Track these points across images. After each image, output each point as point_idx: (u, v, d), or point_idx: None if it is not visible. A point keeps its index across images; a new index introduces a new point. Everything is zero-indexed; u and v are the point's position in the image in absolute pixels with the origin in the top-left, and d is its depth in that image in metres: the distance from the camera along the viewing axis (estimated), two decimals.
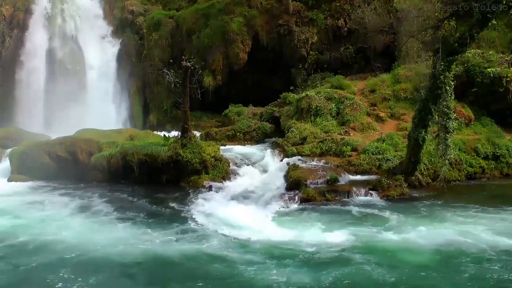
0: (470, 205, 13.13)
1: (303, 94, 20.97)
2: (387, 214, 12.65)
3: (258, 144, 20.43)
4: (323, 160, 16.74)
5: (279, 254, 9.99)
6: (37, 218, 12.84)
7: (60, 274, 9.09)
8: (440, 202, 13.53)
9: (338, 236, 10.94)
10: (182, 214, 13.17)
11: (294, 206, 13.72)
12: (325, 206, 13.51)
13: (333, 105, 20.15)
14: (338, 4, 25.71)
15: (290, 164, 16.00)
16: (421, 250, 10.09)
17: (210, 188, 15.86)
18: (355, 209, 13.15)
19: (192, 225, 12.15)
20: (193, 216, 12.88)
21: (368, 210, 13.02)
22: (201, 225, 12.10)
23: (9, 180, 18.01)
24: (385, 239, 10.79)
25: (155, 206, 14.12)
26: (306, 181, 14.82)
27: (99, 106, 27.23)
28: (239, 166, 17.46)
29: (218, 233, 11.45)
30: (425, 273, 9.01)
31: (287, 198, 14.14)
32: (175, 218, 12.76)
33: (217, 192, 15.47)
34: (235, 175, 16.77)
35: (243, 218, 12.52)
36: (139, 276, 9.18)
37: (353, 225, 11.82)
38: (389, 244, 10.47)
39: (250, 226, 11.89)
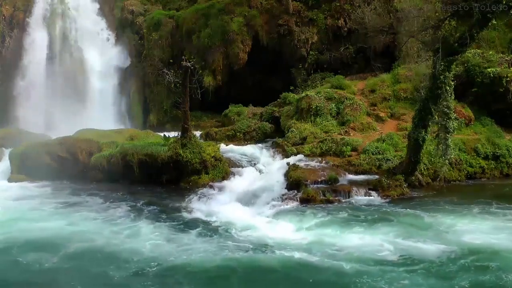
0: (470, 205, 13.11)
1: (303, 94, 20.96)
2: (387, 214, 12.65)
3: (258, 144, 20.41)
4: (323, 160, 16.73)
5: (279, 254, 9.99)
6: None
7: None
8: (440, 202, 13.51)
9: (338, 236, 10.93)
10: (182, 214, 13.18)
11: (294, 206, 13.72)
12: (325, 206, 13.50)
13: (333, 105, 20.15)
14: (338, 4, 25.69)
15: (290, 164, 16.00)
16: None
17: (210, 188, 15.86)
18: (354, 209, 13.13)
19: (193, 224, 12.16)
20: (193, 216, 12.90)
21: (368, 210, 13.01)
22: (202, 225, 12.10)
23: (9, 180, 18.02)
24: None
25: (154, 206, 14.13)
26: (306, 181, 14.82)
27: (99, 106, 27.23)
28: (239, 166, 17.46)
29: (218, 233, 11.46)
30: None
31: (287, 198, 14.14)
32: (175, 218, 12.76)
33: (217, 192, 15.47)
34: (235, 175, 16.75)
35: (243, 218, 12.54)
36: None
37: (353, 225, 11.81)
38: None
39: (250, 226, 11.89)
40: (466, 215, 12.33)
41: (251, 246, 10.48)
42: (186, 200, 14.63)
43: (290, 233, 11.32)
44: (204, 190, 15.75)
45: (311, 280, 8.78)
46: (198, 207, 13.85)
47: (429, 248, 10.14)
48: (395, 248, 10.16)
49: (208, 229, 11.83)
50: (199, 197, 14.85)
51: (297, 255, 9.88)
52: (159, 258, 9.83)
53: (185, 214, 13.20)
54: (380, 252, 9.96)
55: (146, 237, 11.19)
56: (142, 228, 11.93)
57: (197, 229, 11.78)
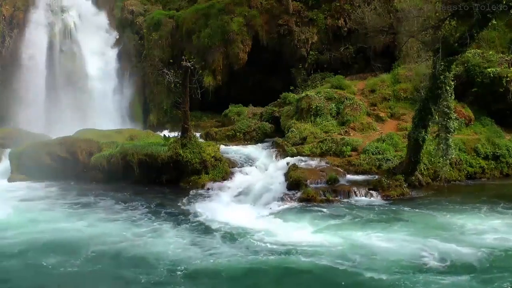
0: (475, 204, 13.11)
1: (303, 94, 20.96)
2: (397, 214, 12.65)
3: (258, 144, 20.42)
4: (323, 160, 16.73)
5: (279, 254, 9.99)
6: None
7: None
8: (444, 202, 13.52)
9: (337, 236, 10.92)
10: (182, 215, 13.18)
11: (294, 206, 13.71)
12: (325, 206, 13.49)
13: (333, 105, 20.15)
14: (338, 4, 25.69)
15: (290, 164, 16.00)
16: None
17: (210, 188, 15.87)
18: (354, 209, 13.13)
19: (193, 225, 12.15)
20: (194, 216, 12.90)
21: (375, 210, 13.00)
22: (202, 225, 12.10)
23: (9, 180, 18.02)
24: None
25: (154, 206, 14.13)
26: (306, 181, 14.82)
27: (99, 106, 27.22)
28: (239, 166, 17.46)
29: (219, 233, 11.45)
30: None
31: (287, 198, 14.14)
32: (175, 219, 12.76)
33: (217, 192, 15.47)
34: (235, 175, 16.75)
35: (243, 218, 12.54)
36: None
37: (353, 225, 11.81)
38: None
39: (250, 226, 11.89)
40: (475, 215, 12.32)
41: (251, 246, 10.48)
42: (186, 200, 14.64)
43: (289, 233, 11.30)
44: (204, 190, 15.76)
45: (343, 283, 8.71)
46: (198, 207, 13.84)
47: (455, 248, 10.03)
48: (420, 249, 10.03)
49: (209, 229, 11.82)
50: (199, 197, 14.88)
51: (321, 257, 9.74)
52: (184, 261, 9.79)
53: (185, 214, 13.19)
54: (409, 255, 9.79)
55: (169, 239, 11.13)
56: (162, 229, 11.90)
57: (197, 229, 11.78)
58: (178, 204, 14.30)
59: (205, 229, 11.80)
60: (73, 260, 9.79)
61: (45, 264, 9.65)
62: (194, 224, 12.28)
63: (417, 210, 12.88)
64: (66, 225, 12.27)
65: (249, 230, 11.62)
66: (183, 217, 12.96)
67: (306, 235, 11.17)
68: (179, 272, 9.20)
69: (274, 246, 10.44)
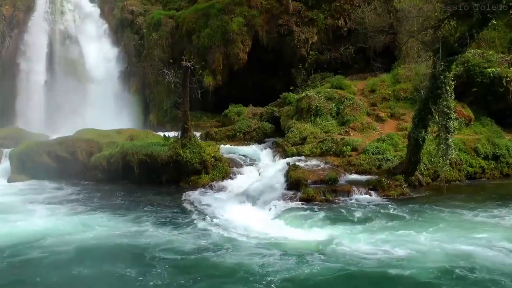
0: (464, 206, 13.07)
1: (303, 94, 20.96)
2: (387, 214, 12.65)
3: (258, 144, 20.43)
4: (323, 160, 16.73)
5: (279, 254, 9.99)
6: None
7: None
8: (436, 203, 13.49)
9: (336, 236, 10.93)
10: (183, 214, 13.18)
11: (294, 206, 13.70)
12: (325, 206, 13.49)
13: (333, 105, 20.16)
14: (338, 4, 25.71)
15: (290, 164, 15.99)
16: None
17: (210, 188, 15.88)
18: (354, 209, 13.13)
19: (193, 225, 12.16)
20: (193, 216, 12.90)
21: (368, 210, 13.00)
22: (202, 225, 12.11)
23: (9, 180, 18.02)
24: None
25: (154, 206, 14.13)
26: (306, 181, 14.81)
27: (99, 106, 27.24)
28: (239, 166, 17.47)
29: (219, 233, 11.45)
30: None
31: (287, 198, 14.14)
32: (175, 218, 12.76)
33: (217, 192, 15.48)
34: (235, 175, 16.77)
35: (243, 218, 12.54)
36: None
37: (352, 225, 11.82)
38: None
39: (250, 226, 11.89)
40: (475, 215, 12.25)
41: (252, 245, 10.48)
42: (186, 200, 14.66)
43: (289, 233, 11.30)
44: (204, 190, 15.78)
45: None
46: (198, 207, 13.87)
47: (453, 248, 9.98)
48: (421, 248, 10.01)
49: (208, 229, 11.82)
50: (199, 197, 14.90)
51: (320, 257, 9.70)
52: (185, 260, 9.74)
53: (185, 215, 13.18)
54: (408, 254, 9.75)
55: (168, 239, 11.07)
56: (162, 229, 11.84)
57: (197, 230, 11.78)
58: (178, 204, 14.30)
59: (205, 229, 11.77)
60: (143, 268, 9.33)
61: (119, 272, 9.23)
62: (194, 224, 12.26)
63: (417, 210, 12.86)
64: (114, 230, 11.79)
65: (249, 230, 11.61)
66: (183, 216, 12.97)
67: (306, 235, 11.16)
68: (179, 271, 9.21)
69: (274, 246, 10.42)
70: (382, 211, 12.89)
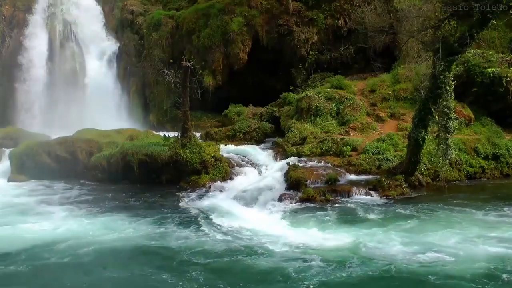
0: (471, 205, 13.06)
1: (303, 94, 20.97)
2: (387, 214, 12.63)
3: (258, 144, 20.43)
4: (323, 160, 16.73)
5: (279, 253, 9.98)
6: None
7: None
8: (440, 202, 13.47)
9: (336, 236, 10.92)
10: (183, 214, 13.18)
11: (294, 206, 13.71)
12: (325, 206, 13.49)
13: (333, 105, 20.16)
14: (338, 4, 25.70)
15: (290, 164, 15.99)
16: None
17: (210, 188, 15.87)
18: (354, 209, 13.13)
19: (193, 224, 12.15)
20: (193, 216, 12.90)
21: (368, 210, 12.98)
22: (202, 225, 12.10)
23: (9, 180, 18.01)
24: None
25: (154, 206, 14.12)
26: (306, 181, 14.82)
27: (99, 106, 27.24)
28: (239, 166, 17.46)
29: (219, 233, 11.45)
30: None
31: (287, 198, 14.13)
32: (175, 218, 12.75)
33: (217, 192, 15.48)
34: (235, 175, 16.76)
35: (243, 218, 12.54)
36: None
37: (352, 225, 11.81)
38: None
39: (250, 226, 11.89)
40: (475, 215, 12.22)
41: (251, 245, 10.47)
42: (186, 200, 14.65)
43: (289, 232, 11.29)
44: (204, 190, 15.77)
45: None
46: (198, 207, 13.87)
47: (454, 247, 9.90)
48: (419, 249, 9.90)
49: (208, 229, 11.81)
50: (199, 197, 14.91)
51: (319, 257, 9.59)
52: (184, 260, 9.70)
53: (185, 215, 13.17)
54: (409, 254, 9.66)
55: (169, 239, 11.05)
56: (162, 229, 11.80)
57: (197, 229, 11.78)
58: (178, 204, 14.29)
59: (205, 229, 11.76)
60: (174, 273, 9.11)
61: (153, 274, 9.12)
62: (194, 224, 12.25)
63: (417, 210, 12.85)
64: (134, 232, 11.68)
65: (249, 230, 11.61)
66: (184, 216, 12.97)
67: (305, 234, 11.13)
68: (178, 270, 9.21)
69: (274, 246, 10.41)
70: (382, 211, 12.87)
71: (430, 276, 8.60)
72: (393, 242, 10.40)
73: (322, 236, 11.00)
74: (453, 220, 11.87)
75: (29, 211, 13.69)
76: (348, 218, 12.39)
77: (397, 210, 12.87)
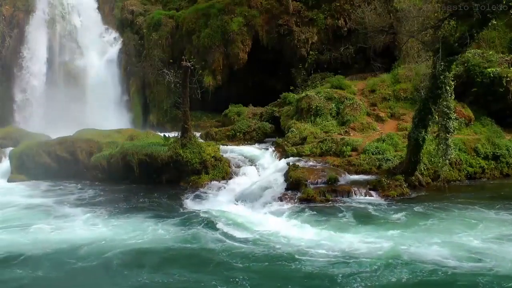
0: (479, 204, 13.04)
1: (303, 94, 20.97)
2: (387, 214, 12.63)
3: (258, 144, 20.43)
4: (323, 160, 16.73)
5: (278, 253, 9.99)
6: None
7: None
8: (440, 202, 13.47)
9: (336, 236, 10.91)
10: (183, 214, 13.18)
11: (294, 206, 13.70)
12: (325, 206, 13.48)
13: (333, 105, 20.16)
14: (338, 4, 25.71)
15: (290, 164, 15.99)
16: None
17: (210, 188, 15.87)
18: (354, 209, 13.11)
19: (193, 225, 12.16)
20: (194, 216, 12.90)
21: (368, 210, 12.98)
22: (202, 225, 12.10)
23: (9, 180, 18.01)
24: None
25: (155, 206, 14.13)
26: (306, 181, 14.81)
27: (99, 106, 27.26)
28: (239, 166, 17.46)
29: (219, 233, 11.45)
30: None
31: (287, 198, 14.13)
32: (175, 218, 12.76)
33: (217, 192, 15.47)
34: (235, 175, 16.76)
35: (243, 218, 12.54)
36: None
37: (352, 225, 11.81)
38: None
39: (250, 226, 11.89)
40: (476, 215, 12.18)
41: (252, 245, 10.48)
42: (186, 200, 14.65)
43: (289, 232, 11.29)
44: (204, 190, 15.77)
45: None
46: (198, 207, 13.88)
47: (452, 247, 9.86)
48: (419, 248, 9.90)
49: (210, 229, 11.80)
50: (199, 197, 14.91)
51: (318, 257, 9.58)
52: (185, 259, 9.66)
53: (185, 214, 13.17)
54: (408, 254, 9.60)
55: (169, 238, 11.02)
56: (162, 229, 11.75)
57: (197, 229, 11.78)
58: (178, 204, 14.29)
59: (205, 229, 11.76)
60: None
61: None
62: (194, 223, 12.25)
63: (416, 210, 12.84)
64: (153, 235, 11.43)
65: (249, 230, 11.62)
66: (179, 215, 12.96)
67: (305, 234, 11.13)
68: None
69: (273, 246, 10.42)
70: (381, 211, 12.86)
71: (480, 278, 8.46)
72: (427, 244, 10.18)
73: (313, 235, 10.94)
74: (469, 220, 11.73)
75: (50, 212, 13.46)
76: (366, 219, 12.13)
77: (409, 210, 12.72)
